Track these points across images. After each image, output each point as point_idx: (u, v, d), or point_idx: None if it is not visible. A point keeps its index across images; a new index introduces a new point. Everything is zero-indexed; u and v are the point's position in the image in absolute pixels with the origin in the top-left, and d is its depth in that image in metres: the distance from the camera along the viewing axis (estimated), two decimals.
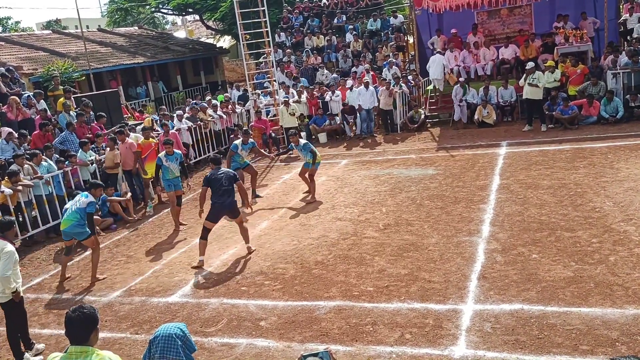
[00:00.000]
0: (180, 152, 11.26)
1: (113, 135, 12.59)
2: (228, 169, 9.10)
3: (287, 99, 16.79)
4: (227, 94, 19.14)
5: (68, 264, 8.95)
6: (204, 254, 8.59)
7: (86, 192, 8.53)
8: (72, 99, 14.56)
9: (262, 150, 12.50)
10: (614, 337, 5.31)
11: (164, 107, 18.72)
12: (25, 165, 10.89)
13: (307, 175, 11.37)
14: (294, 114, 16.38)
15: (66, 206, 8.67)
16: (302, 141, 11.23)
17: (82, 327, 3.49)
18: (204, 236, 8.58)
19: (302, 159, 11.62)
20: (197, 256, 8.68)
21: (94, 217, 10.82)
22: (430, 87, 18.79)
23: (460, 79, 16.75)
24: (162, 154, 10.84)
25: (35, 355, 6.54)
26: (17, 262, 6.35)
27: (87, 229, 8.31)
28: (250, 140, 11.90)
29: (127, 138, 12.32)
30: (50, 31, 31.08)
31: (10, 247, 6.23)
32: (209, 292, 7.59)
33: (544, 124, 14.69)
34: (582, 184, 9.96)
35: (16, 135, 12.08)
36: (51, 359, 3.57)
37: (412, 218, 9.41)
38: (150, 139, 12.36)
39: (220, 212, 8.58)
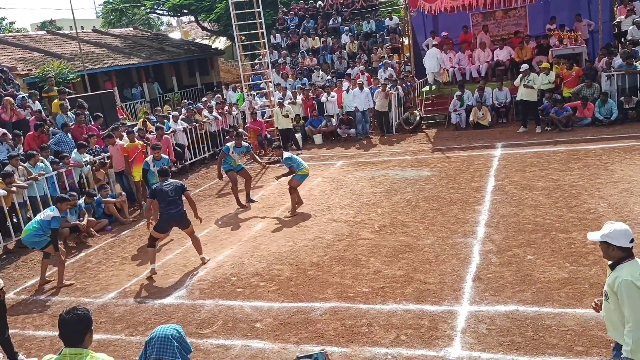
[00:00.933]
0: (167, 157, 11.21)
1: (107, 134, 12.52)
2: (176, 180, 8.96)
3: (281, 101, 16.79)
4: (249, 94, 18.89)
5: (48, 266, 8.88)
6: (155, 262, 8.56)
7: (53, 206, 8.63)
8: (67, 100, 14.50)
9: (257, 157, 12.35)
10: (608, 339, 5.32)
11: (159, 108, 18.70)
12: (20, 167, 10.86)
13: (289, 185, 10.84)
14: (287, 116, 16.37)
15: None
16: (286, 154, 10.80)
17: (75, 328, 3.48)
18: (152, 244, 8.56)
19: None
20: (192, 257, 8.65)
21: (90, 218, 10.87)
22: (426, 88, 18.84)
23: (458, 93, 16.68)
24: (149, 159, 10.79)
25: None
26: None
27: (45, 238, 8.35)
28: (245, 144, 11.79)
29: (117, 140, 12.24)
30: (45, 32, 31.02)
31: None
32: (204, 294, 7.57)
33: (539, 125, 14.74)
34: (577, 185, 10.00)
35: (10, 136, 12.03)
36: (48, 357, 3.56)
37: (407, 219, 9.42)
38: (137, 142, 12.29)
39: (168, 223, 8.52)
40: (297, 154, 15.77)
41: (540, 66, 15.96)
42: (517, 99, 15.33)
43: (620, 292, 3.67)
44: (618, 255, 3.76)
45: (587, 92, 15.00)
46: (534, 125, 14.85)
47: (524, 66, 14.88)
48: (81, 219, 10.72)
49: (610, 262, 3.83)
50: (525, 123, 14.98)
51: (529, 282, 6.63)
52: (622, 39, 17.31)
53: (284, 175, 10.68)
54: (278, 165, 13.06)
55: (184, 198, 8.61)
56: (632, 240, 3.74)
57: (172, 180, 8.70)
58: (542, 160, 11.95)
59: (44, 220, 8.36)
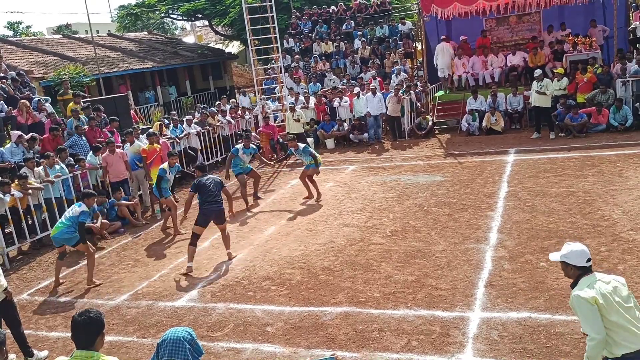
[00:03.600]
0: (178, 165, 11.36)
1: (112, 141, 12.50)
2: (215, 176, 9.15)
3: (292, 105, 16.82)
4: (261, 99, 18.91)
5: (62, 268, 8.96)
6: (193, 260, 8.61)
7: (80, 202, 8.70)
8: (82, 103, 14.65)
9: (263, 158, 12.52)
10: None
11: (174, 112, 18.82)
12: (36, 169, 10.98)
13: (307, 177, 11.51)
14: (299, 120, 16.39)
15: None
16: (301, 145, 11.29)
17: (87, 331, 3.51)
18: (194, 242, 8.62)
19: (304, 163, 11.82)
20: (203, 261, 8.70)
21: (103, 221, 10.96)
22: (439, 93, 18.80)
23: (469, 107, 16.60)
24: (165, 165, 10.83)
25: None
26: None
27: (76, 235, 8.40)
28: (252, 145, 11.96)
29: (116, 149, 12.18)
30: (61, 36, 31.36)
31: None
32: (216, 297, 7.60)
33: (553, 131, 14.64)
34: (591, 192, 9.92)
35: (26, 138, 12.16)
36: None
37: (419, 225, 9.39)
38: (155, 145, 12.38)
39: (208, 216, 8.63)
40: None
41: (555, 70, 15.85)
42: (530, 105, 15.26)
43: (573, 308, 3.92)
44: (576, 273, 3.97)
45: (601, 98, 14.88)
46: (548, 131, 14.76)
47: (538, 71, 14.81)
48: (95, 221, 10.81)
49: (571, 283, 4.03)
50: (538, 129, 14.89)
51: (542, 289, 6.59)
52: (638, 45, 17.17)
53: (313, 171, 11.24)
54: (286, 161, 13.22)
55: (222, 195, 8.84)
56: (589, 260, 3.95)
57: (211, 176, 8.93)
58: (556, 166, 11.87)
59: (73, 216, 8.40)
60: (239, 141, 16.15)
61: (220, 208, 8.66)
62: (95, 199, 9.09)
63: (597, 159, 12.05)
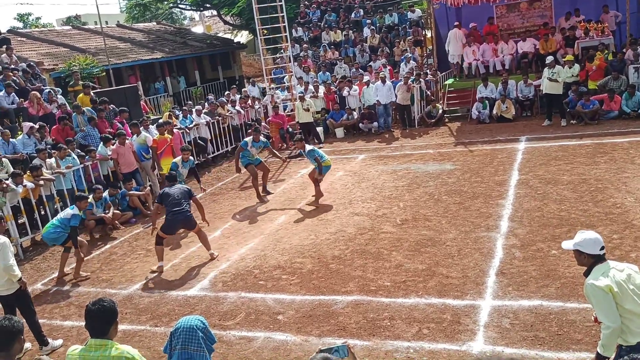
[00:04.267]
0: (193, 159, 11.41)
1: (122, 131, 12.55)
2: (182, 185, 9.19)
3: (302, 94, 16.77)
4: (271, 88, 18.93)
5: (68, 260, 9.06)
6: (163, 260, 8.62)
7: (73, 205, 8.86)
8: (92, 94, 14.71)
9: (276, 152, 12.44)
10: None
11: (191, 102, 18.88)
12: (48, 160, 11.07)
13: (309, 176, 11.20)
14: (308, 109, 16.35)
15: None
16: (308, 147, 10.86)
17: (101, 320, 3.56)
18: (159, 242, 8.61)
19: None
20: (210, 251, 8.74)
21: (115, 211, 11.04)
22: (449, 81, 18.68)
23: (480, 95, 16.49)
24: (178, 159, 10.89)
25: (50, 352, 6.62)
26: (12, 252, 6.46)
27: (64, 234, 8.56)
28: (262, 139, 11.87)
29: (126, 140, 12.23)
30: (70, 27, 31.42)
31: (3, 239, 6.33)
32: (227, 286, 7.65)
33: (564, 118, 14.52)
34: (603, 179, 9.85)
35: (37, 127, 12.24)
36: (71, 351, 3.64)
37: (429, 213, 9.38)
38: (166, 135, 12.42)
39: (174, 225, 8.58)
40: (319, 147, 15.82)
41: (564, 59, 15.69)
42: (542, 92, 15.14)
43: (588, 297, 3.89)
44: (589, 262, 3.94)
45: (613, 84, 14.73)
46: (559, 118, 14.64)
47: (549, 58, 14.67)
48: (107, 211, 10.89)
49: (584, 271, 4.00)
50: (550, 116, 14.77)
51: (554, 277, 6.57)
52: None
53: (318, 175, 10.71)
54: (299, 159, 13.07)
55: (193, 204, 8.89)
56: (602, 248, 3.91)
57: (179, 185, 8.99)
58: (568, 153, 11.79)
59: (64, 218, 8.59)
60: (248, 133, 16.25)
61: (186, 216, 8.53)
62: (87, 202, 9.13)
63: (609, 146, 11.95)
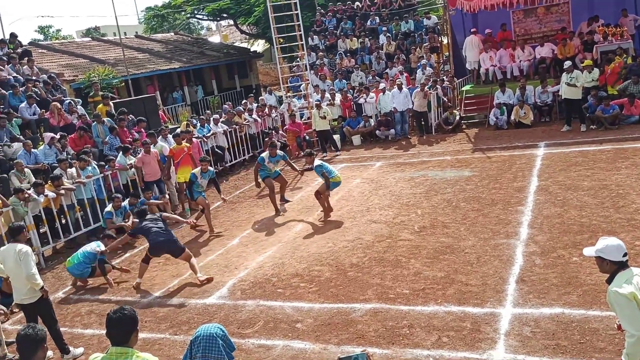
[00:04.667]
0: (213, 170, 11.32)
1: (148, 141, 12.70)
2: (154, 215, 8.99)
3: (318, 102, 16.80)
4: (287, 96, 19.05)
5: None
6: (142, 277, 8.61)
7: (99, 242, 9.05)
8: (111, 104, 14.91)
9: (293, 164, 12.10)
10: None
11: (208, 111, 19.02)
12: (69, 170, 11.23)
13: (315, 193, 10.58)
14: (325, 117, 16.36)
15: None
16: (317, 162, 10.55)
17: (122, 328, 3.58)
18: (146, 260, 8.62)
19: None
20: (233, 258, 8.77)
21: (134, 220, 11.12)
22: (466, 87, 18.61)
23: (497, 101, 16.39)
24: (197, 171, 10.92)
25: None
26: (34, 261, 6.59)
27: (89, 268, 8.81)
28: (279, 152, 11.67)
29: (151, 149, 12.35)
30: (90, 38, 31.93)
31: (25, 247, 6.44)
32: (246, 294, 7.66)
33: (584, 124, 14.36)
34: (624, 185, 9.71)
35: (58, 137, 12.42)
36: (93, 359, 3.67)
37: (448, 220, 9.32)
38: (183, 144, 12.52)
39: (159, 250, 8.49)
40: (335, 156, 15.82)
41: (582, 64, 15.55)
42: (560, 97, 15.01)
43: (611, 305, 3.85)
44: (612, 269, 3.87)
45: (634, 88, 14.54)
46: (579, 123, 14.49)
47: (567, 63, 14.55)
48: (126, 220, 10.99)
49: (607, 278, 3.94)
50: (569, 122, 14.62)
51: (575, 285, 6.48)
52: None
53: (326, 191, 10.38)
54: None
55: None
56: (625, 254, 3.85)
57: (150, 216, 8.81)
58: (588, 159, 11.65)
59: (89, 253, 8.80)
60: (265, 143, 16.32)
61: (169, 239, 8.42)
62: (113, 241, 9.18)
63: (630, 151, 11.79)
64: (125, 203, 11.24)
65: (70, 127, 13.78)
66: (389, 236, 9.00)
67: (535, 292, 6.46)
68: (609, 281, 3.88)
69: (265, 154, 11.60)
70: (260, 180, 11.60)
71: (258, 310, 7.11)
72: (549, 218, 8.71)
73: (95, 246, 8.91)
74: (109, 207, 10.95)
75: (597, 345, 5.26)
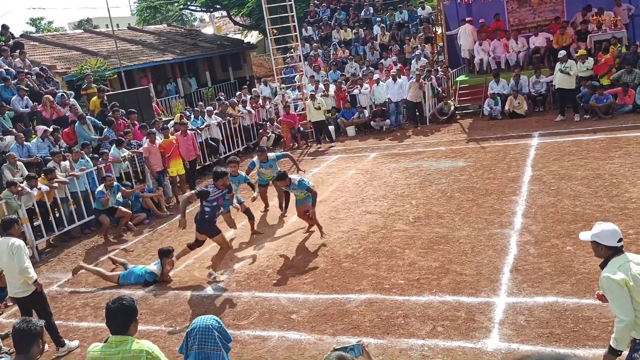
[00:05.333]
0: (244, 174, 10.08)
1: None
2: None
3: (313, 93, 16.75)
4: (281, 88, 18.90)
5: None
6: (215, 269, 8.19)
7: (158, 261, 8.40)
8: (106, 97, 14.83)
9: (296, 162, 10.88)
10: None
11: (201, 103, 18.95)
12: (62, 163, 11.18)
13: (302, 214, 9.25)
14: (319, 108, 16.31)
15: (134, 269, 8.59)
16: (295, 178, 8.99)
17: (121, 317, 3.65)
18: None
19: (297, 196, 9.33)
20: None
21: (126, 210, 11.11)
22: (460, 77, 18.60)
23: (491, 91, 16.37)
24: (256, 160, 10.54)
25: (67, 353, 6.67)
26: (27, 255, 6.50)
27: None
28: (272, 155, 10.55)
29: (156, 139, 12.36)
30: (82, 30, 31.66)
31: (18, 241, 6.39)
32: (241, 286, 7.67)
33: (577, 113, 14.39)
34: (618, 174, 9.75)
35: (51, 130, 12.36)
36: (92, 348, 3.71)
37: (442, 211, 9.34)
38: (171, 137, 12.48)
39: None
40: (330, 147, 15.80)
41: (576, 54, 15.55)
42: (554, 87, 15.02)
43: (603, 290, 3.92)
44: (606, 253, 3.93)
45: (627, 78, 14.57)
46: (572, 113, 14.51)
47: (562, 52, 14.55)
48: (120, 200, 11.05)
49: (600, 262, 3.99)
50: (563, 111, 14.64)
51: (569, 273, 6.51)
52: None
53: (312, 208, 8.97)
54: (310, 155, 13.04)
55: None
56: (620, 240, 3.91)
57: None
58: (581, 149, 11.68)
59: (149, 273, 8.32)
60: (260, 131, 16.30)
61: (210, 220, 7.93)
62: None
63: (623, 140, 11.83)
64: (119, 196, 11.21)
65: (63, 120, 13.70)
66: (383, 227, 9.01)
67: (529, 281, 6.50)
68: (603, 266, 3.93)
69: (255, 159, 10.66)
70: (255, 194, 10.09)
71: (253, 302, 7.12)
72: (542, 207, 8.74)
73: (153, 266, 8.37)
74: (100, 187, 10.85)
75: (590, 334, 5.30)
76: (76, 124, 13.07)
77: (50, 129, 12.40)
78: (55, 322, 6.81)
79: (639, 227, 7.46)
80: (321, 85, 18.23)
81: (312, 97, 16.46)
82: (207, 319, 3.46)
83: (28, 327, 3.66)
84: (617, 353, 3.91)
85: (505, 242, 7.68)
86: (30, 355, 3.63)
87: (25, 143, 11.87)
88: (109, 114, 13.77)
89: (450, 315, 6.03)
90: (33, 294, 6.48)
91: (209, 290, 7.73)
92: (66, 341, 6.72)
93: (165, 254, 8.30)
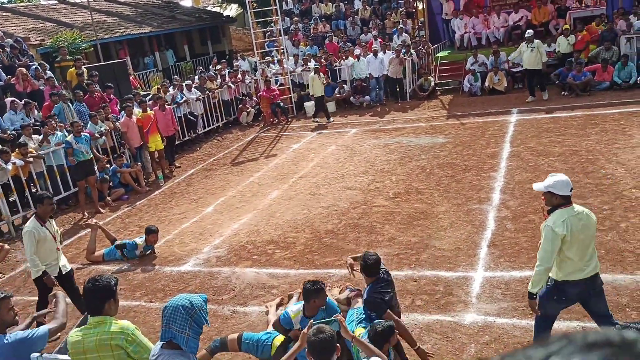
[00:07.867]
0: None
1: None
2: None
3: (317, 67, 16.29)
4: (262, 62, 18.82)
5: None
6: None
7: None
8: (83, 68, 14.44)
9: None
10: (624, 303, 5.34)
11: (177, 77, 18.65)
12: (34, 136, 10.93)
13: None
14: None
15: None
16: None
17: (96, 298, 3.55)
18: None
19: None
20: (207, 226, 8.72)
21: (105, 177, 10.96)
22: (441, 53, 18.56)
23: (471, 67, 16.35)
24: None
25: None
26: (33, 243, 6.10)
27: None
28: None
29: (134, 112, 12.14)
30: (56, 1, 30.79)
31: (26, 227, 6.15)
32: (221, 261, 7.67)
33: (544, 91, 14.24)
34: (594, 150, 9.89)
35: (22, 104, 12.04)
36: (73, 334, 3.61)
37: (422, 186, 9.40)
38: (149, 112, 12.25)
39: None
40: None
41: (562, 27, 15.55)
42: (512, 64, 15.10)
43: (542, 235, 4.24)
44: (559, 202, 4.20)
45: (606, 54, 14.68)
46: (540, 92, 14.32)
47: (529, 32, 14.29)
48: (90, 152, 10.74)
49: (548, 209, 4.29)
50: (532, 92, 14.40)
51: None
52: None
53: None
54: (290, 130, 12.97)
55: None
56: (571, 189, 4.21)
57: None
58: (559, 125, 11.81)
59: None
60: (239, 106, 16.09)
61: None
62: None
63: (600, 117, 11.97)
64: (87, 131, 10.93)
65: (37, 94, 13.38)
66: (363, 202, 9.05)
67: (506, 255, 6.60)
68: (550, 212, 4.21)
69: (292, 311, 5.27)
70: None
71: (234, 277, 7.13)
72: (520, 184, 8.84)
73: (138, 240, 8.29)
74: (68, 137, 10.58)
75: None
76: (57, 104, 12.47)
77: (22, 103, 12.05)
78: (31, 298, 6.74)
79: (614, 203, 7.61)
80: (300, 60, 18.04)
81: (317, 71, 15.97)
82: (181, 299, 3.29)
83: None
84: (533, 296, 4.33)
85: (484, 218, 7.78)
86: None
87: None
88: (88, 82, 13.42)
89: (429, 289, 6.11)
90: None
91: (189, 265, 7.72)
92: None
93: (149, 232, 8.17)
